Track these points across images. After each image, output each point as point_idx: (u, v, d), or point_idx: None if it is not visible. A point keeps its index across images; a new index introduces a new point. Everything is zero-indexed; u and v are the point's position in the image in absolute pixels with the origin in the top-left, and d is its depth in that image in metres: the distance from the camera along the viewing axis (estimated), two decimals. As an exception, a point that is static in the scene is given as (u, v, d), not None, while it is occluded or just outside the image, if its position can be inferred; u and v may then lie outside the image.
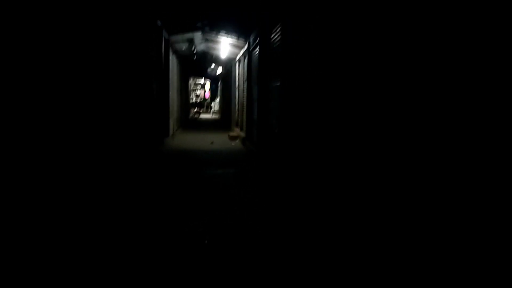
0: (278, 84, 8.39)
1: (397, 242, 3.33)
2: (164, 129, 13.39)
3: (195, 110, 36.05)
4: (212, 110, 39.03)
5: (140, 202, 6.07)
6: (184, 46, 16.21)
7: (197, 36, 14.99)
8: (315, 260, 3.90)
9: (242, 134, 15.33)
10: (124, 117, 7.28)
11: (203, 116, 35.25)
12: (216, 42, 16.35)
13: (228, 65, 22.57)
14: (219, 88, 34.48)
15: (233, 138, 15.83)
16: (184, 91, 24.58)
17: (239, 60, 17.58)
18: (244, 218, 5.34)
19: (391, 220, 3.45)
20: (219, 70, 27.30)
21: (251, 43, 12.98)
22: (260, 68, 10.77)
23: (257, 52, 11.44)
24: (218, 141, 15.42)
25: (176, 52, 17.52)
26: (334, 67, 4.96)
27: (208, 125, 24.91)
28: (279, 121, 8.22)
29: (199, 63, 23.14)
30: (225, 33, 14.00)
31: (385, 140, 3.58)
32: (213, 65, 25.90)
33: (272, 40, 9.44)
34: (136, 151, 8.39)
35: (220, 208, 5.80)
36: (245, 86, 14.49)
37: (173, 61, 16.27)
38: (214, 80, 33.24)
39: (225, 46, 16.50)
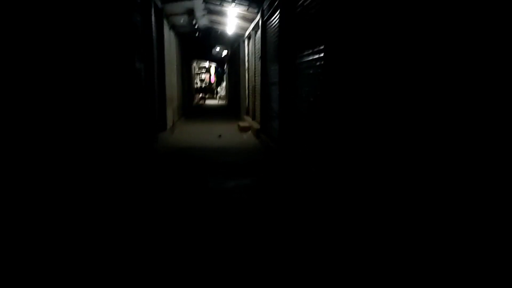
0: (318, 56, 5.72)
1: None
2: (160, 121, 10.79)
3: (200, 96, 33.39)
4: (218, 95, 36.35)
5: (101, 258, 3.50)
6: (183, 19, 13.50)
7: (198, 5, 12.28)
8: None
9: (255, 124, 12.70)
10: (82, 110, 4.70)
11: (209, 102, 32.59)
12: (221, 14, 13.62)
13: (236, 44, 19.84)
14: (225, 71, 31.77)
15: (244, 129, 13.22)
16: (187, 75, 21.93)
17: (249, 36, 14.87)
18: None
19: None
20: (225, 51, 24.56)
21: (266, 11, 10.26)
22: (281, 40, 8.08)
23: (276, 19, 8.74)
24: (226, 133, 12.81)
25: (174, 27, 14.82)
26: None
27: (215, 113, 22.27)
28: (321, 110, 5.60)
29: (202, 43, 20.42)
30: (232, 0, 11.26)
31: None
32: (218, 47, 23.17)
33: (301, -3, 6.75)
34: (113, 155, 5.85)
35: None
36: (259, 66, 11.79)
37: (170, 38, 13.58)
38: (219, 62, 30.46)
39: (232, 18, 13.76)
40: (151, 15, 8.90)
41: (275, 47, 9.00)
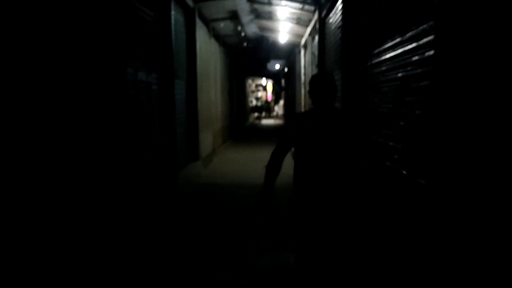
0: (417, 44, 3.08)
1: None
2: (190, 149, 8.56)
3: (256, 115, 31.33)
4: (275, 113, 34.12)
5: None
6: (224, 24, 11.37)
7: (242, 6, 10.06)
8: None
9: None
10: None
11: (265, 121, 30.35)
12: (271, 17, 11.32)
13: (291, 57, 17.49)
14: (283, 88, 29.50)
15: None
16: (238, 92, 19.85)
17: (305, 45, 12.44)
18: None
19: None
20: (281, 66, 22.29)
21: (324, 5, 7.79)
22: (345, 35, 5.54)
23: (339, 10, 6.25)
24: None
25: (218, 37, 12.75)
26: None
27: (268, 134, 19.86)
28: (429, 141, 3.00)
29: (254, 57, 18.29)
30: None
31: None
32: (273, 62, 20.96)
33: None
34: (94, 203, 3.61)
35: None
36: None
37: (211, 48, 11.47)
38: (276, 79, 28.21)
39: (284, 22, 11.43)
40: (170, 14, 6.72)
41: (336, 48, 6.48)
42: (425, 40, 2.89)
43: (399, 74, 3.51)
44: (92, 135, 3.93)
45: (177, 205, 6.09)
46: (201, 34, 9.80)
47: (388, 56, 3.87)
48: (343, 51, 5.55)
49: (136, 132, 5.17)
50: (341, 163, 2.82)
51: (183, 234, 4.83)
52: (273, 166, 2.96)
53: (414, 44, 3.13)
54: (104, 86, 4.20)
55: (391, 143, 3.78)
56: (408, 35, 3.27)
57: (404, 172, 3.37)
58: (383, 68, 4.04)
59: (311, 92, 2.90)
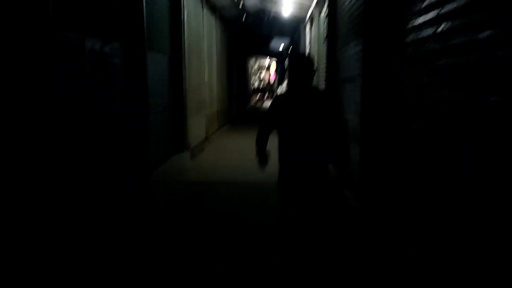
0: None
1: None
2: (174, 138, 7.19)
3: (258, 97, 29.81)
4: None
5: None
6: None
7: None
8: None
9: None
10: None
11: (268, 103, 28.87)
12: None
13: (296, 34, 15.95)
14: (286, 68, 27.90)
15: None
16: (239, 73, 18.37)
17: (311, 19, 10.93)
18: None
19: None
20: (283, 44, 20.70)
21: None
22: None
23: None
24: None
25: (214, 9, 11.25)
26: None
27: (270, 118, 18.40)
28: None
29: (255, 32, 16.74)
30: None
31: None
32: (277, 40, 19.33)
33: None
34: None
35: None
36: (324, 53, 7.81)
37: (203, 19, 9.97)
38: (280, 58, 26.57)
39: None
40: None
41: (355, 9, 5.00)
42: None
43: (472, 37, 2.09)
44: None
45: (142, 220, 4.68)
46: (190, 1, 8.32)
47: (447, 10, 2.44)
48: (367, 12, 4.09)
49: (75, 124, 3.77)
50: (321, 142, 2.82)
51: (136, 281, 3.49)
52: (260, 140, 3.06)
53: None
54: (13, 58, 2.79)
55: (452, 157, 2.38)
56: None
57: (475, 208, 2.00)
58: (438, 30, 2.62)
59: (289, 73, 2.90)
